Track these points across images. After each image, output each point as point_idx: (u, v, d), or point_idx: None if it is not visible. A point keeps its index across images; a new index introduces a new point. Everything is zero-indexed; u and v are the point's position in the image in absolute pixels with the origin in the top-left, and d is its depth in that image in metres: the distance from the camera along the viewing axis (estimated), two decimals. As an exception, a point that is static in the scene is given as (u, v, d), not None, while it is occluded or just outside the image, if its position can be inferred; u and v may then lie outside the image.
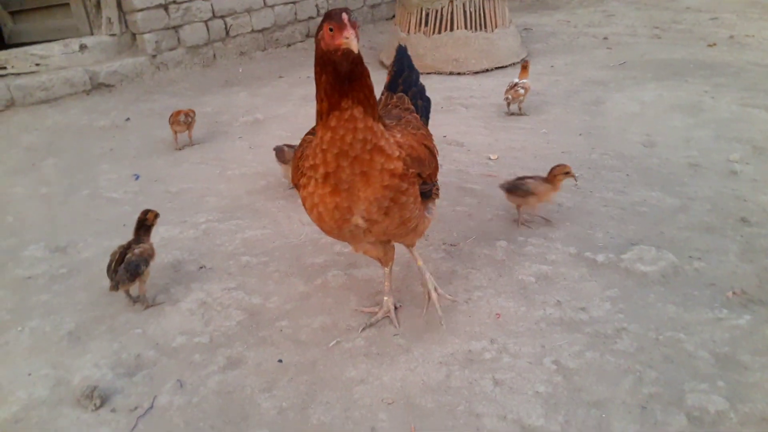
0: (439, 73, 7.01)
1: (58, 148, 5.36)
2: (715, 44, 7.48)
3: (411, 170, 2.39)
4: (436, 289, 2.90)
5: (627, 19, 9.17)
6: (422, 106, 3.20)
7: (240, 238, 3.69)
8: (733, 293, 3.00)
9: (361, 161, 2.23)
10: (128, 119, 6.03)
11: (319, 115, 2.24)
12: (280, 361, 2.69)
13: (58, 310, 3.09)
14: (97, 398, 2.48)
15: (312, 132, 2.54)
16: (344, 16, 2.04)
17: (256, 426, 2.36)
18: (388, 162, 2.28)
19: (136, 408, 2.47)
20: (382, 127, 2.29)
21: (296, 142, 5.09)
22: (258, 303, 3.10)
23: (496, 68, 7.04)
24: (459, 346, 2.72)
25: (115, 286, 2.97)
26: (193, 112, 5.12)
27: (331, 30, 2.06)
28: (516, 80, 5.42)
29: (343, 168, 2.23)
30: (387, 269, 2.95)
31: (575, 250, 3.37)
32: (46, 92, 6.51)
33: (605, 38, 8.15)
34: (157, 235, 3.74)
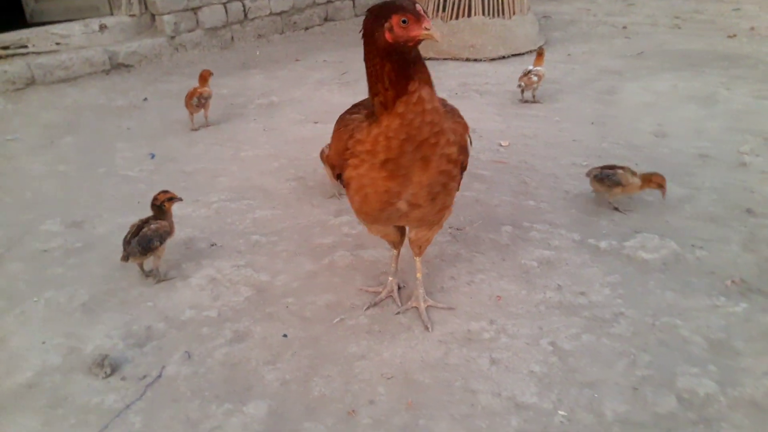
0: (456, 59, 7.01)
1: (77, 127, 5.48)
2: (735, 35, 7.42)
3: (460, 157, 2.40)
4: (425, 300, 2.92)
5: (647, 8, 9.10)
6: None
7: (250, 218, 3.78)
8: (732, 282, 3.03)
9: (427, 145, 2.19)
10: (146, 99, 6.13)
11: (383, 105, 2.14)
12: (285, 336, 2.78)
13: (72, 283, 3.20)
14: (108, 366, 2.58)
15: (355, 112, 2.49)
16: (418, 7, 2.01)
17: (259, 396, 2.45)
18: (447, 146, 2.26)
19: (144, 377, 2.57)
20: (443, 109, 2.28)
21: (309, 125, 5.21)
22: (266, 280, 3.18)
23: (513, 55, 7.04)
24: (459, 326, 2.79)
25: (125, 257, 3.09)
26: (208, 92, 5.18)
27: (404, 21, 2.00)
28: (530, 67, 5.42)
29: (406, 153, 2.18)
30: (396, 252, 3.01)
31: (579, 237, 3.41)
32: (66, 71, 6.63)
33: (624, 27, 8.10)
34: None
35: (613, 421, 2.28)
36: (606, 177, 3.59)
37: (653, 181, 3.58)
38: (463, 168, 2.54)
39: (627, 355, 2.58)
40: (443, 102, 2.65)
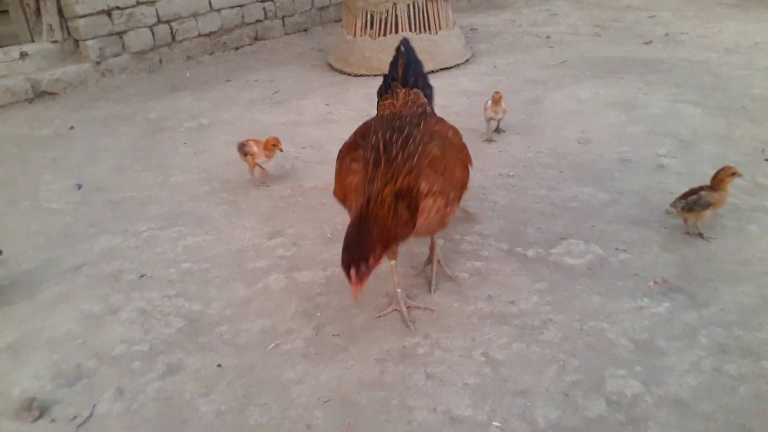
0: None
1: (-1, 159, 5.28)
2: (651, 42, 7.76)
3: (452, 198, 2.67)
4: (406, 302, 3.04)
5: (570, 18, 9.43)
6: (430, 95, 3.39)
7: (182, 246, 3.72)
8: (654, 283, 3.17)
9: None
10: (72, 128, 5.96)
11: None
12: (219, 365, 2.75)
13: (-4, 324, 3.08)
14: (36, 409, 2.50)
15: (358, 143, 2.73)
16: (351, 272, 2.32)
17: (194, 430, 2.41)
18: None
19: (75, 417, 2.50)
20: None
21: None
22: (198, 309, 3.14)
23: (441, 69, 7.17)
24: (395, 343, 2.82)
25: None
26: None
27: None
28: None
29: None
30: (394, 262, 3.06)
31: (507, 246, 3.50)
32: (-14, 101, 6.38)
33: (548, 37, 8.36)
34: (97, 245, 3.76)
35: (546, 428, 2.35)
36: (695, 204, 3.43)
37: (725, 178, 3.45)
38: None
39: (557, 361, 2.67)
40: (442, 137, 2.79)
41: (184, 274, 3.43)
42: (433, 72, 7.15)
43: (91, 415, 2.50)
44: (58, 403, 2.58)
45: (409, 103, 3.15)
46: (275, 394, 2.57)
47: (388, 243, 2.39)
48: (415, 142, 2.57)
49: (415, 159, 2.50)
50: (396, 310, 3.03)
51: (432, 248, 3.29)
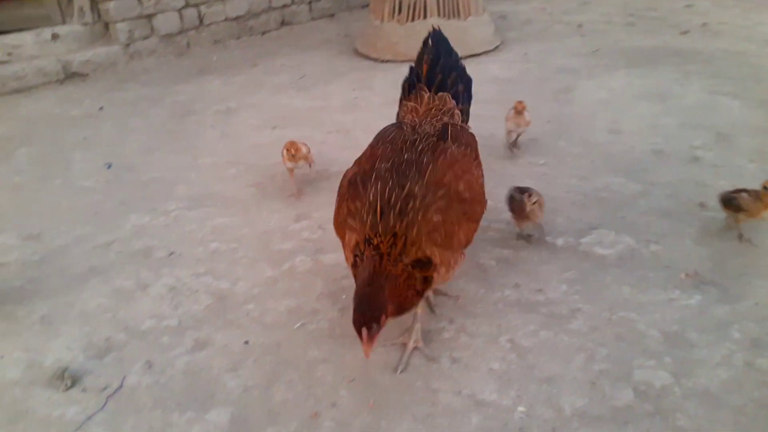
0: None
1: (32, 138, 5.36)
2: (687, 32, 7.59)
3: (457, 248, 2.56)
4: (416, 342, 2.71)
5: (602, 6, 9.25)
6: (463, 91, 3.17)
7: (209, 226, 3.75)
8: (686, 275, 3.11)
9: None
10: (102, 108, 6.03)
11: None
12: (246, 342, 2.77)
13: (31, 296, 3.14)
14: (68, 379, 2.56)
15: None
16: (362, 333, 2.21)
17: (221, 404, 2.44)
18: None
19: (105, 388, 2.55)
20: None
21: (267, 130, 5.19)
22: (226, 288, 3.17)
23: (470, 56, 7.09)
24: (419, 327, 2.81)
25: None
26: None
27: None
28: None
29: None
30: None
31: (536, 235, 3.47)
32: (19, 82, 6.48)
33: (580, 26, 8.23)
34: (127, 223, 3.81)
35: (572, 415, 2.33)
36: (728, 202, 3.29)
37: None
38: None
39: (585, 350, 2.64)
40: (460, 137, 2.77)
41: (212, 253, 3.46)
42: (462, 58, 7.09)
43: (121, 386, 2.55)
44: (89, 373, 2.63)
45: (433, 110, 2.97)
46: (301, 372, 2.59)
47: (401, 304, 2.31)
48: (415, 207, 2.35)
49: (414, 231, 2.32)
50: (404, 344, 2.73)
51: (410, 329, 2.77)
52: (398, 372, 2.57)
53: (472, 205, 2.62)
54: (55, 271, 3.38)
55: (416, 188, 2.40)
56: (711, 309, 2.87)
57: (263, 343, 2.76)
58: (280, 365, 2.63)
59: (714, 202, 3.70)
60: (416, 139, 2.68)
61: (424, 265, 2.32)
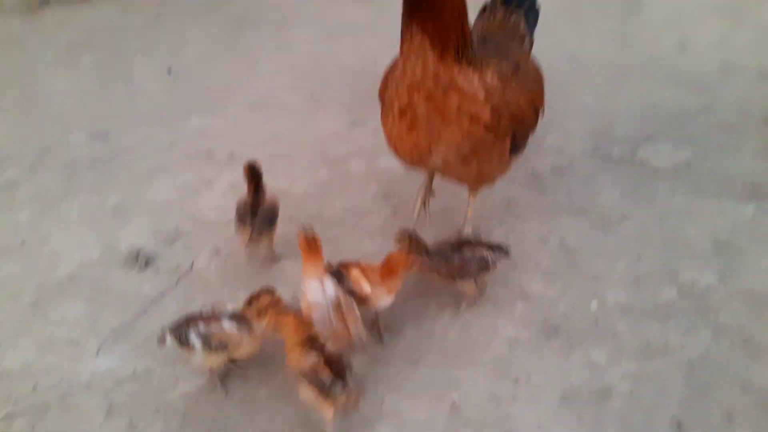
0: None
1: (94, 45, 5.50)
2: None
3: (502, 124, 2.13)
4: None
5: None
6: (532, 24, 2.96)
7: (268, 129, 3.87)
8: (743, 186, 3.09)
9: (435, 99, 2.00)
10: (159, 16, 6.10)
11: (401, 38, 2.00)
12: (304, 235, 2.91)
13: (103, 188, 3.35)
14: (142, 260, 2.78)
15: None
16: None
17: (281, 284, 2.61)
18: (467, 104, 2.03)
19: (176, 269, 2.75)
20: (463, 64, 2.00)
21: (323, 40, 5.20)
22: (285, 187, 3.30)
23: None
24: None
25: None
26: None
27: None
28: None
29: (417, 103, 2.03)
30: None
31: (592, 145, 3.47)
32: (81, -10, 6.58)
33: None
34: (189, 125, 3.95)
35: (614, 308, 2.42)
36: None
37: None
38: (516, 141, 2.31)
39: (632, 252, 2.70)
40: (516, 63, 2.35)
41: (270, 155, 3.56)
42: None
43: (191, 268, 2.75)
44: (161, 257, 2.84)
45: (506, 31, 2.79)
46: (356, 262, 2.73)
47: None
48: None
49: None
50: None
51: (465, 223, 2.76)
52: None
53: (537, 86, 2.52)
54: (123, 167, 3.57)
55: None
56: (764, 219, 2.88)
57: (321, 238, 2.88)
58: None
59: (780, 118, 3.61)
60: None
61: None
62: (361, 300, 2.24)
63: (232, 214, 3.07)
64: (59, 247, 2.90)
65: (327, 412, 1.91)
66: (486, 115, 2.06)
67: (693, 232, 2.80)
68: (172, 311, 2.49)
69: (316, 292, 2.16)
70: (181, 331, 2.14)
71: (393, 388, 2.17)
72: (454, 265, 2.34)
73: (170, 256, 2.84)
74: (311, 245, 2.20)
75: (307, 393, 1.93)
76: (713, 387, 2.11)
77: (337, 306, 2.14)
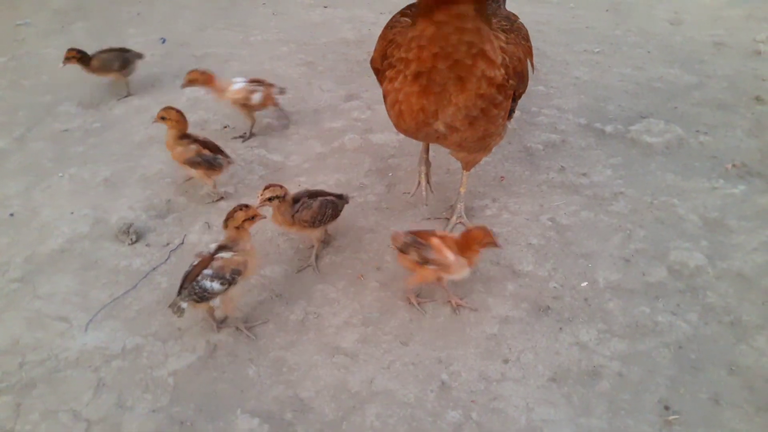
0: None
1: (87, 12, 5.42)
2: None
3: (510, 82, 2.16)
4: (460, 217, 2.79)
5: None
6: None
7: (262, 101, 3.83)
8: (733, 165, 3.11)
9: (461, 66, 1.98)
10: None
11: (427, 7, 1.93)
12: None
13: (94, 160, 3.32)
14: (133, 234, 2.76)
15: (407, 13, 2.37)
16: None
17: (275, 262, 2.63)
18: (489, 68, 2.03)
19: (168, 244, 2.75)
20: (488, 29, 2.03)
21: (319, 9, 5.14)
22: (279, 160, 3.30)
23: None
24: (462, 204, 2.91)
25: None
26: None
27: None
28: None
29: (439, 70, 1.99)
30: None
31: (585, 121, 3.47)
32: (72, -45, 6.45)
33: None
34: (183, 95, 3.91)
35: (605, 287, 2.44)
36: None
37: None
38: (517, 96, 2.35)
39: (623, 231, 2.72)
40: (510, 19, 2.39)
41: (264, 128, 3.57)
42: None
43: (182, 242, 2.74)
44: (152, 231, 2.83)
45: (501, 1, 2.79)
46: (349, 238, 2.75)
47: None
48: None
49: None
50: (447, 218, 2.83)
51: (454, 207, 2.83)
52: None
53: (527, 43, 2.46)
54: (115, 138, 3.54)
55: None
56: (754, 198, 2.89)
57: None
58: (330, 231, 2.78)
59: (772, 96, 3.62)
60: None
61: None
62: (444, 267, 2.26)
63: (224, 188, 3.08)
64: (49, 220, 2.89)
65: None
66: (500, 75, 2.09)
67: (683, 210, 2.82)
68: (164, 287, 2.50)
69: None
70: (191, 290, 2.15)
71: (382, 368, 2.19)
72: (314, 211, 2.51)
73: (162, 230, 2.83)
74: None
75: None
76: (701, 368, 2.14)
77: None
